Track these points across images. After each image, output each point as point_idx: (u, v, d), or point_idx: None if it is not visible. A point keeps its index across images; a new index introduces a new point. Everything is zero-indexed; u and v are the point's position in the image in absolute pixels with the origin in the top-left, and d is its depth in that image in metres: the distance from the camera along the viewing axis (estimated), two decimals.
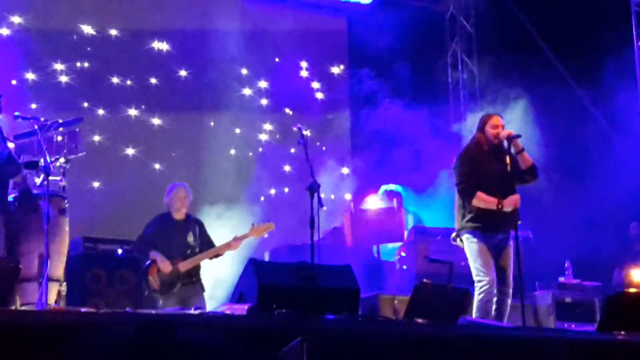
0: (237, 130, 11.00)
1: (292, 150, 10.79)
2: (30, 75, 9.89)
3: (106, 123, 10.33)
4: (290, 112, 11.19)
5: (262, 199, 10.84)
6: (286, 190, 10.91)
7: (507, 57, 10.90)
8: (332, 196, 10.62)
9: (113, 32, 10.53)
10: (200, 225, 8.22)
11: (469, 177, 7.19)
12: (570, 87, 10.83)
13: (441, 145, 10.61)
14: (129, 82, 10.54)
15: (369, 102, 10.98)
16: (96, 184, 10.07)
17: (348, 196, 10.99)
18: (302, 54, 11.57)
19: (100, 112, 10.32)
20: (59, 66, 10.15)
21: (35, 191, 6.87)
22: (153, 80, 10.70)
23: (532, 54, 10.92)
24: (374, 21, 10.97)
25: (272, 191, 10.98)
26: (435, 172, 10.25)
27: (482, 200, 7.10)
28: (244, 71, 11.20)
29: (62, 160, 7.25)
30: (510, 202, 7.09)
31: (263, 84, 11.32)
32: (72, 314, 5.14)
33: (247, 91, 11.21)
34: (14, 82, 9.69)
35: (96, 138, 10.17)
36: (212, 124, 10.89)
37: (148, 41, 10.76)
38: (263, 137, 11.23)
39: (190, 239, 8.03)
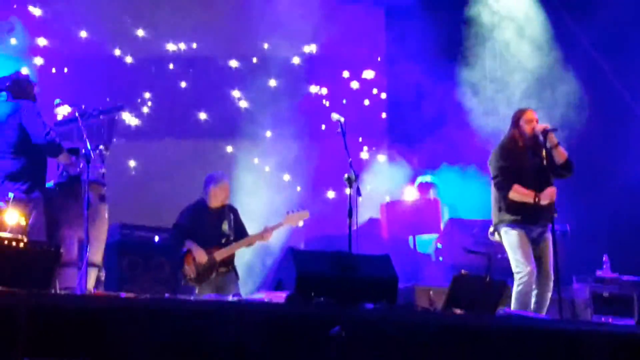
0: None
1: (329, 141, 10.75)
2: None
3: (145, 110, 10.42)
4: (327, 103, 11.15)
5: (298, 188, 10.84)
6: (321, 180, 10.87)
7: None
8: (368, 187, 10.58)
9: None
10: (235, 213, 8.19)
11: (506, 171, 7.20)
12: (601, 68, 10.62)
13: (477, 135, 10.54)
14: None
15: (406, 92, 10.89)
16: (133, 171, 10.12)
17: (384, 187, 10.94)
18: (339, 42, 11.46)
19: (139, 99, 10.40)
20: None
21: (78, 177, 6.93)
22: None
23: (562, 29, 10.74)
24: (413, 15, 10.85)
25: (307, 180, 10.95)
26: (473, 164, 10.18)
27: (519, 193, 7.10)
28: (279, 55, 11.15)
29: (101, 147, 7.28)
30: (547, 195, 7.09)
31: (297, 69, 11.26)
32: (114, 299, 5.19)
33: (280, 81, 11.17)
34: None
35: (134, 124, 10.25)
36: (248, 106, 10.91)
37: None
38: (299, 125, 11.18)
39: (225, 227, 8.02)
